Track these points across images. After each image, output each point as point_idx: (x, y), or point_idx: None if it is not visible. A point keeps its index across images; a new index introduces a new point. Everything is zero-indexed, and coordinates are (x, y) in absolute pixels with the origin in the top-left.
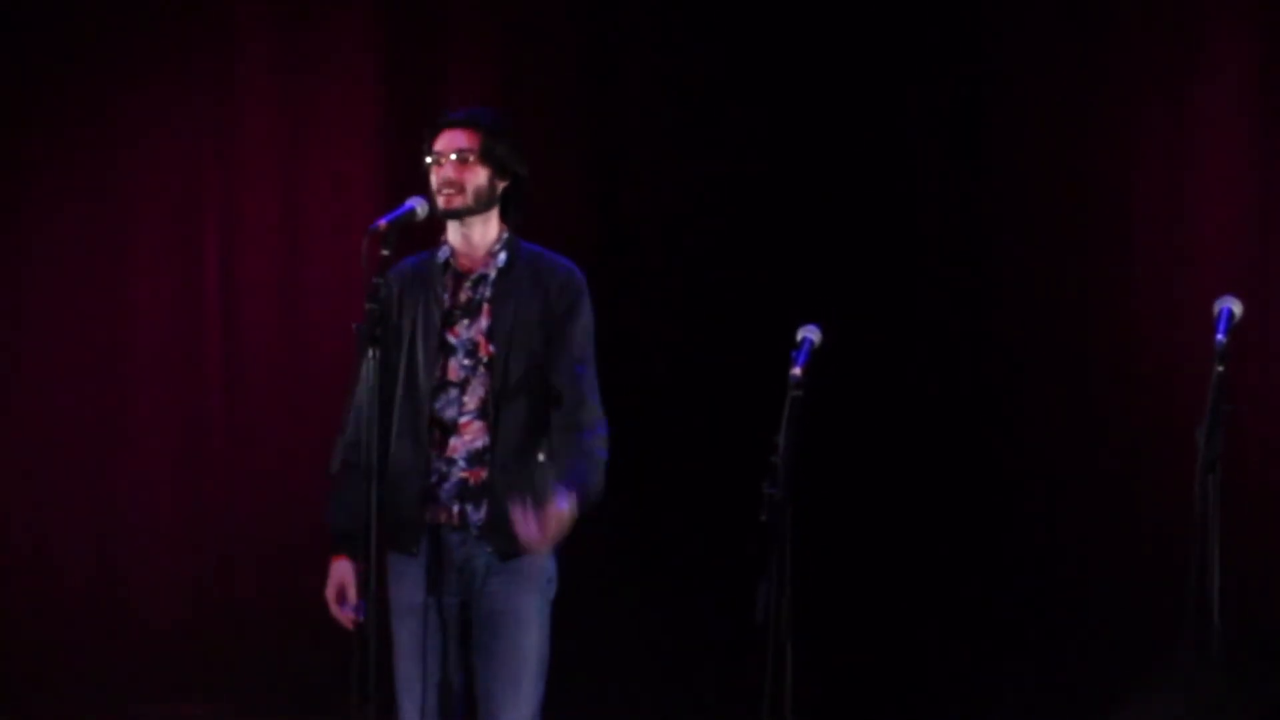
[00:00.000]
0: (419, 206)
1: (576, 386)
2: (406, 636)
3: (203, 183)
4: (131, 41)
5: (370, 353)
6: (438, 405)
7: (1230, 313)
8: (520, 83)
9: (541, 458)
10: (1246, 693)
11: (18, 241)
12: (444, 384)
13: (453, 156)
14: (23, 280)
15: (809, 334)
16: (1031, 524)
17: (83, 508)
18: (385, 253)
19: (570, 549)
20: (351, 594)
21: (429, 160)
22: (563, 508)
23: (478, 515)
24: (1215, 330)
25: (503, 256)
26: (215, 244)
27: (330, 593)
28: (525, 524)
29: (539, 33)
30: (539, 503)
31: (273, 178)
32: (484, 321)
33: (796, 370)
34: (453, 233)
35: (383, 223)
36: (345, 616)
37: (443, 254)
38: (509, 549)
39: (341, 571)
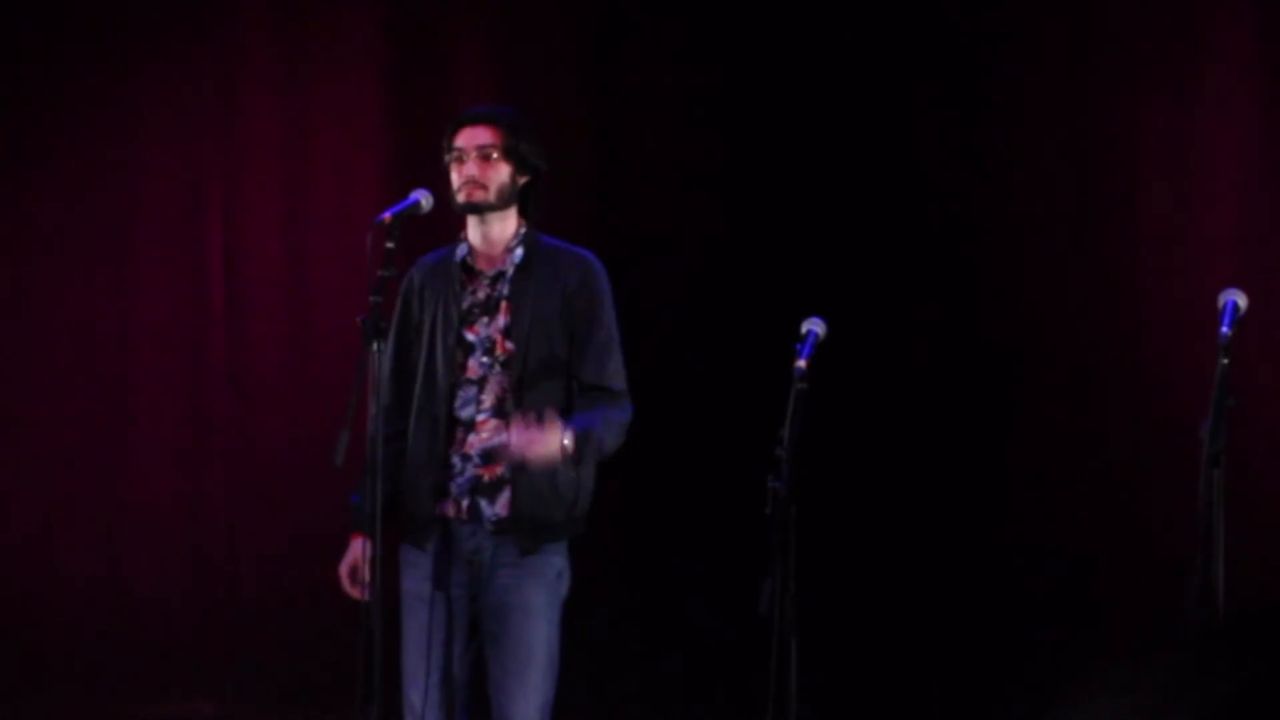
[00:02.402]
0: (423, 199)
1: (604, 375)
2: (415, 627)
3: (206, 179)
4: (133, 38)
5: (375, 345)
6: (456, 403)
7: (1235, 306)
8: (523, 78)
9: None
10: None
11: (21, 239)
12: (462, 381)
13: (475, 153)
14: (26, 277)
15: (813, 327)
16: (1035, 518)
17: (87, 506)
18: (390, 245)
19: (573, 543)
20: (365, 571)
21: (449, 157)
22: (556, 428)
23: (492, 510)
24: (1219, 323)
25: (519, 253)
26: (219, 239)
27: (344, 569)
28: (519, 431)
29: (541, 28)
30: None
31: (276, 173)
32: (502, 319)
33: (801, 363)
34: (472, 230)
35: (387, 215)
36: (355, 592)
37: (460, 251)
38: (528, 545)
39: (357, 549)
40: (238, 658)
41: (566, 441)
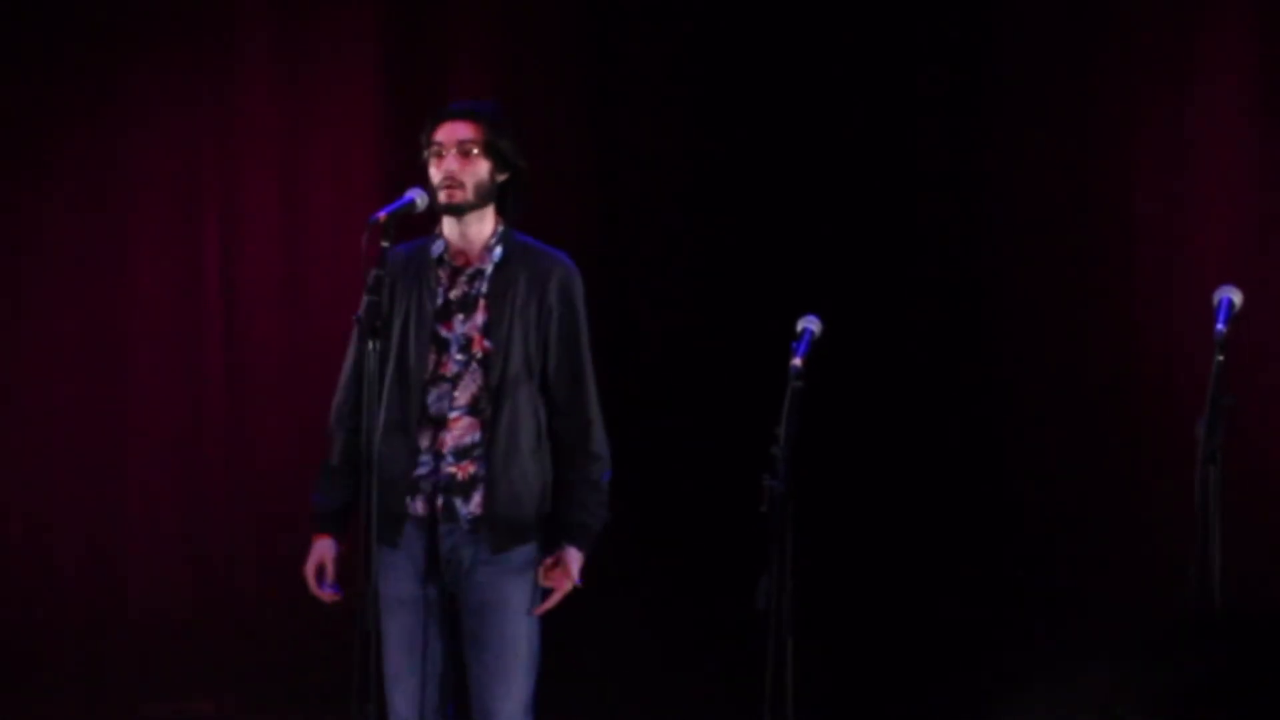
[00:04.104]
0: (418, 198)
1: (582, 402)
2: (396, 629)
3: (203, 176)
4: (130, 33)
5: (370, 344)
6: (429, 399)
7: (1230, 303)
8: (520, 74)
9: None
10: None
11: (17, 235)
12: (436, 378)
13: (454, 149)
14: (23, 272)
15: (809, 325)
16: (1032, 514)
17: (83, 504)
18: (385, 244)
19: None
20: (330, 571)
21: (428, 151)
22: (576, 577)
23: (467, 508)
24: (1215, 320)
25: (498, 251)
26: (215, 236)
27: (309, 569)
28: (545, 578)
29: (541, 28)
30: (556, 563)
31: (273, 170)
32: (480, 317)
33: (797, 361)
34: (448, 226)
35: (383, 214)
36: (323, 594)
37: (437, 248)
38: (502, 543)
39: (322, 549)
40: (237, 657)
41: (576, 574)
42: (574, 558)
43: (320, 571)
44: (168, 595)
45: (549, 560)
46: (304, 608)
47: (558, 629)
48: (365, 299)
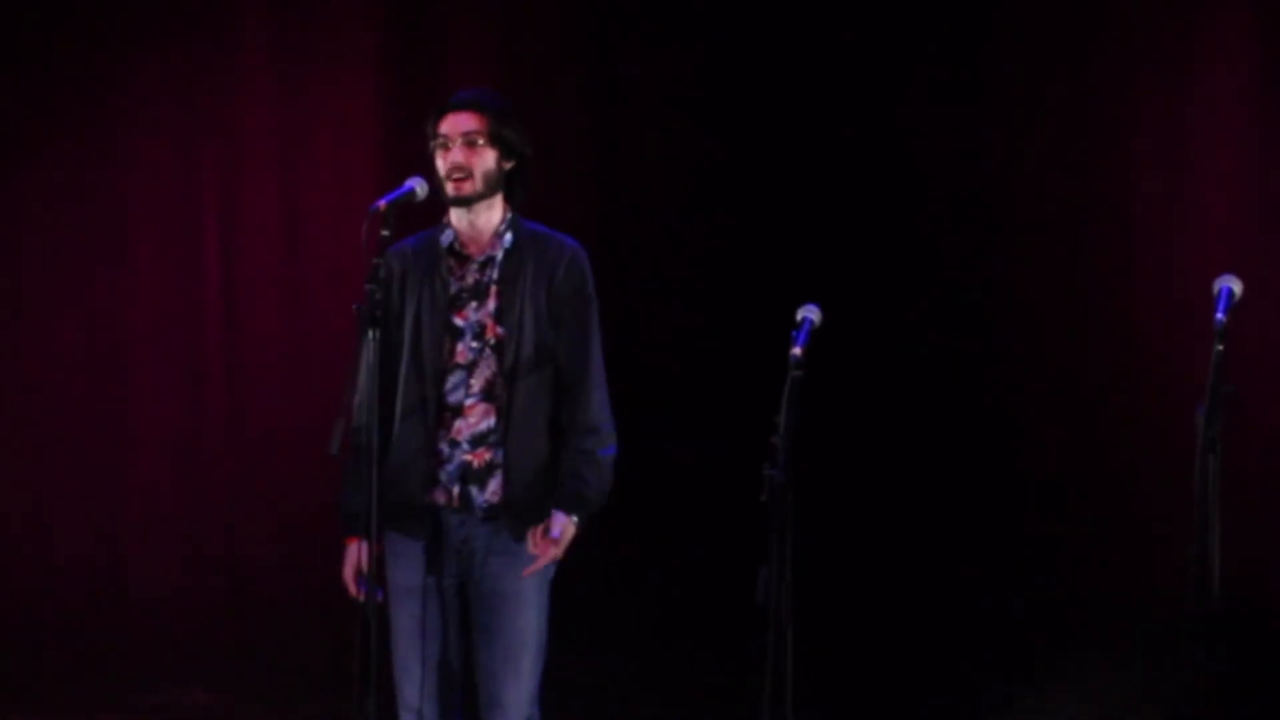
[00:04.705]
0: (418, 187)
1: (586, 378)
2: (405, 618)
3: (202, 173)
4: (130, 33)
5: (370, 334)
6: (445, 387)
7: (1230, 292)
8: (520, 73)
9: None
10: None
11: (18, 232)
12: (451, 366)
13: (460, 140)
14: (23, 272)
15: (809, 314)
16: (1032, 505)
17: (84, 497)
18: (385, 233)
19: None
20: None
21: (434, 144)
22: (556, 536)
23: (483, 496)
24: (1215, 309)
25: (508, 238)
26: (215, 236)
27: (349, 574)
28: (533, 545)
29: (541, 27)
30: (545, 529)
31: (272, 167)
32: (492, 304)
33: (797, 350)
34: (457, 217)
35: (382, 203)
36: (366, 596)
37: (446, 237)
38: (519, 530)
39: (357, 552)
40: (234, 648)
41: (566, 533)
42: (560, 522)
43: (360, 574)
44: (167, 592)
45: (538, 527)
46: (302, 598)
47: (557, 619)
48: (366, 288)
